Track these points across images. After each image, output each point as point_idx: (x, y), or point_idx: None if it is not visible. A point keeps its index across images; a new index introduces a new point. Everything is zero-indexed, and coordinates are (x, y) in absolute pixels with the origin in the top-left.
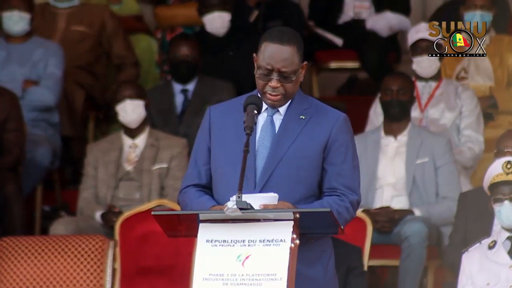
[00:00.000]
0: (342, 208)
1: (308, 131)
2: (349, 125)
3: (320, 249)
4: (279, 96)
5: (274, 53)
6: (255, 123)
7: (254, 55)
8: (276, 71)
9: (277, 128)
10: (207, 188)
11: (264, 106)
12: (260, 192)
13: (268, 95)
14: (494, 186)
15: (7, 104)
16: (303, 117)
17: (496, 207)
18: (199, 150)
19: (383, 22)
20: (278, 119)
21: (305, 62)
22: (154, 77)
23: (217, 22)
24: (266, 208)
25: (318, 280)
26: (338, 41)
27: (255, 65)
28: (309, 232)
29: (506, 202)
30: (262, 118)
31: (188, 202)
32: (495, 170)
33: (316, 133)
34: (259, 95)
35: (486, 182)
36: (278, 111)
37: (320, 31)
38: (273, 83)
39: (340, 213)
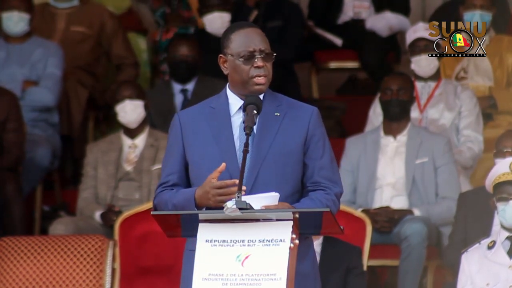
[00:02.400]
0: (330, 202)
1: (285, 128)
2: (321, 118)
3: (307, 244)
4: (265, 78)
5: (250, 36)
6: (255, 123)
7: (221, 55)
8: (258, 51)
9: (255, 128)
10: None
11: (237, 105)
12: (249, 192)
13: (255, 79)
14: (499, 185)
15: (7, 105)
16: (278, 114)
17: (500, 206)
18: (171, 157)
19: (383, 22)
20: None
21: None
22: (145, 75)
23: (217, 22)
24: (265, 209)
25: (309, 275)
26: (338, 41)
27: (224, 66)
28: (309, 232)
29: (511, 202)
30: (237, 119)
31: (167, 199)
32: (501, 169)
33: (293, 129)
34: (228, 92)
35: (490, 180)
36: None
37: (320, 31)
38: (259, 61)
39: (329, 207)
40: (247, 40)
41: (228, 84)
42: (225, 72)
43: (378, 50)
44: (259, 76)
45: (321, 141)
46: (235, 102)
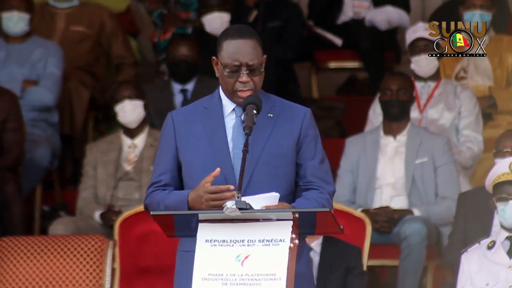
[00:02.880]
0: (325, 201)
1: (279, 129)
2: (314, 119)
3: (301, 245)
4: (250, 91)
5: (239, 48)
6: (255, 123)
7: (214, 58)
8: (244, 65)
9: None
10: None
11: (231, 107)
12: (244, 193)
13: (239, 93)
14: (498, 185)
15: (7, 104)
16: (271, 115)
17: (500, 206)
18: (164, 157)
19: (382, 16)
20: None
21: (265, 56)
22: None
23: (217, 22)
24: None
25: (304, 275)
26: (338, 41)
27: (216, 68)
28: (308, 232)
29: (511, 202)
30: (230, 120)
31: (159, 198)
32: (501, 169)
33: (287, 130)
34: (221, 93)
35: (490, 180)
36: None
37: (320, 31)
38: (244, 78)
39: (324, 206)
40: (235, 53)
41: (220, 85)
42: (216, 74)
43: (375, 40)
44: (243, 91)
45: (313, 141)
46: (228, 103)
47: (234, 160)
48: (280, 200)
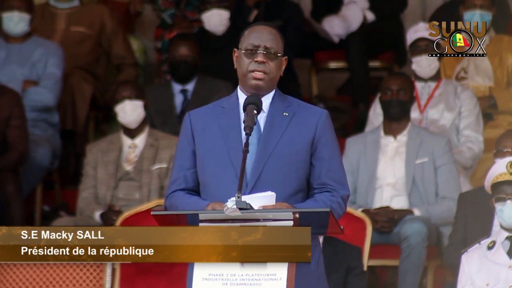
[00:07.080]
0: (335, 204)
1: (293, 127)
2: (331, 121)
3: (312, 245)
4: (263, 74)
5: (260, 32)
6: (255, 123)
7: (234, 49)
8: (262, 47)
9: (262, 126)
10: (193, 191)
11: None
12: (252, 189)
13: (253, 74)
14: (497, 185)
15: (10, 102)
16: (287, 114)
17: (498, 206)
18: (183, 154)
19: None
20: (262, 118)
21: (286, 57)
22: None
23: (216, 19)
24: (265, 209)
25: (311, 275)
26: (335, 38)
27: (235, 59)
28: (319, 232)
29: (509, 202)
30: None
31: (178, 204)
32: (499, 169)
33: (301, 129)
34: (238, 92)
35: (489, 181)
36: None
37: (318, 26)
38: (260, 57)
39: (334, 209)
40: (255, 36)
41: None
42: (235, 66)
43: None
44: (257, 71)
45: (329, 143)
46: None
47: (247, 157)
48: (290, 197)
